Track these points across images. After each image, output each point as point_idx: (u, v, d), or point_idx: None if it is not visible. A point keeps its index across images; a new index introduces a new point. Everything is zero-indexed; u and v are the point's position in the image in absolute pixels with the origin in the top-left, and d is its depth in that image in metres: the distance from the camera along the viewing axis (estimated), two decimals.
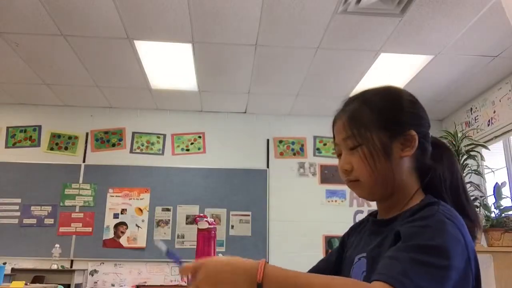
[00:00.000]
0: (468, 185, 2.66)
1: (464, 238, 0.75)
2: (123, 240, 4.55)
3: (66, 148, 4.84)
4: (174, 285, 4.35)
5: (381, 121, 0.87)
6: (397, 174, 0.87)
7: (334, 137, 0.95)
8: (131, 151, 4.88)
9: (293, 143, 5.03)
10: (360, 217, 4.81)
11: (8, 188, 4.60)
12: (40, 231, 4.50)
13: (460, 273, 0.72)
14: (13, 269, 4.11)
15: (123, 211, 4.63)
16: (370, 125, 0.87)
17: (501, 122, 3.97)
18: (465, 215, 0.82)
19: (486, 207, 2.65)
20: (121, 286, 4.39)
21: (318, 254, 4.66)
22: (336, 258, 1.04)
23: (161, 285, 4.34)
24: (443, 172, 0.89)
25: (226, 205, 4.70)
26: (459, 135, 2.81)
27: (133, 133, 4.94)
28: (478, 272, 0.78)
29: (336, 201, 4.86)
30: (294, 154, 5.00)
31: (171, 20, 3.17)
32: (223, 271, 0.73)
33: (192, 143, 4.97)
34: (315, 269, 1.07)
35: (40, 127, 4.88)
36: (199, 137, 4.99)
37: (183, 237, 4.61)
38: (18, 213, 4.53)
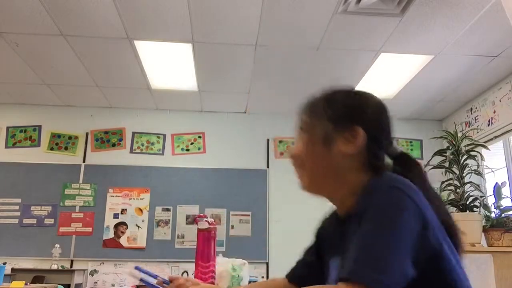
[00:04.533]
0: (468, 185, 2.66)
1: (415, 201, 0.74)
2: (123, 240, 4.55)
3: (66, 148, 4.84)
4: None
5: (331, 113, 0.90)
6: (339, 168, 0.87)
7: None
8: (131, 151, 4.88)
9: (293, 143, 5.02)
10: None
11: (8, 188, 4.60)
12: (40, 231, 4.50)
13: (411, 235, 0.71)
14: (13, 269, 4.11)
15: (123, 211, 4.63)
16: (319, 115, 0.91)
17: (501, 122, 3.97)
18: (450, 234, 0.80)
19: (486, 207, 2.65)
20: (121, 286, 4.39)
21: None
22: (316, 258, 1.03)
23: None
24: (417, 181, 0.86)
25: (226, 205, 4.70)
26: (459, 135, 2.81)
27: (133, 133, 4.93)
28: (440, 241, 0.75)
29: None
30: None
31: (171, 20, 3.17)
32: None
33: (192, 143, 4.97)
34: (299, 272, 1.06)
35: (40, 127, 4.88)
36: (199, 137, 4.99)
37: (183, 237, 4.61)
38: (18, 213, 4.53)
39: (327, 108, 0.91)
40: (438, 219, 0.78)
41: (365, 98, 0.93)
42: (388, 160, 0.91)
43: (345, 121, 0.88)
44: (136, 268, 0.95)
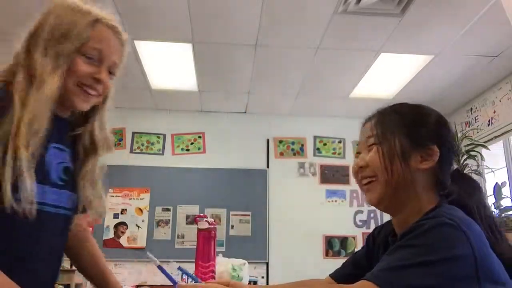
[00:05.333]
0: None
1: (467, 236, 0.74)
2: (123, 240, 4.55)
3: None
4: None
5: (407, 129, 0.91)
6: (412, 184, 0.89)
7: (359, 139, 0.99)
8: (131, 151, 4.88)
9: (293, 143, 5.03)
10: (360, 217, 4.81)
11: None
12: None
13: (448, 270, 0.72)
14: None
15: (123, 211, 4.63)
16: (395, 129, 0.91)
17: (501, 122, 3.97)
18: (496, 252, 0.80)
19: None
20: (121, 286, 4.39)
21: (318, 254, 4.66)
22: (366, 262, 1.04)
23: (161, 285, 4.34)
24: (476, 204, 0.89)
25: (226, 205, 4.70)
26: (459, 135, 2.81)
27: (133, 133, 4.94)
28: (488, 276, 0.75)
29: (336, 201, 4.86)
30: (294, 154, 5.00)
31: (171, 20, 3.17)
32: None
33: (192, 143, 4.97)
34: (341, 274, 1.08)
35: None
36: (199, 137, 4.99)
37: (183, 237, 4.61)
38: None
39: (403, 123, 0.92)
40: (490, 244, 0.78)
41: (440, 116, 0.97)
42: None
43: (422, 138, 0.90)
44: (179, 268, 0.97)
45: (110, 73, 1.11)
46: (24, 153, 0.88)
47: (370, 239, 1.08)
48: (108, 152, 1.15)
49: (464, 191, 0.91)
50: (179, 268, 0.96)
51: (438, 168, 0.89)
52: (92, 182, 1.13)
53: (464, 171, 2.66)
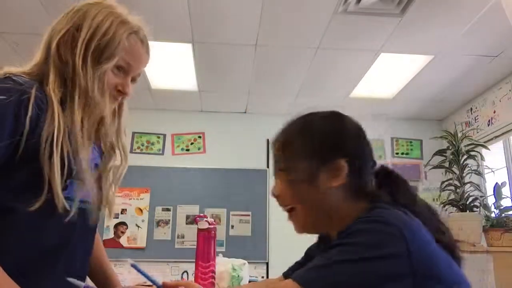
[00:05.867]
0: (468, 185, 2.66)
1: (401, 234, 0.71)
2: (123, 240, 4.55)
3: None
4: None
5: (312, 148, 0.86)
6: (330, 204, 0.85)
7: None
8: (131, 151, 4.87)
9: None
10: None
11: None
12: None
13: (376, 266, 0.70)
14: None
15: (123, 211, 4.63)
16: (298, 152, 0.87)
17: (501, 122, 3.97)
18: (440, 241, 0.78)
19: (486, 207, 2.65)
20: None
21: None
22: None
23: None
24: (410, 200, 0.85)
25: (226, 205, 4.71)
26: (459, 135, 2.81)
27: (133, 133, 4.93)
28: (427, 271, 0.72)
29: None
30: None
31: (171, 20, 3.17)
32: None
33: (192, 143, 4.97)
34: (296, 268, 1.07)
35: None
36: (199, 137, 4.99)
37: (183, 237, 4.61)
38: None
39: (305, 144, 0.88)
40: (433, 236, 0.76)
41: (342, 126, 0.91)
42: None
43: (326, 155, 0.86)
44: (133, 265, 0.97)
45: (132, 79, 1.11)
46: (81, 154, 0.92)
47: (323, 235, 1.05)
48: (124, 158, 1.15)
49: (396, 190, 0.87)
50: (133, 265, 0.96)
51: (356, 177, 0.85)
52: (110, 182, 1.14)
53: (464, 171, 2.66)
